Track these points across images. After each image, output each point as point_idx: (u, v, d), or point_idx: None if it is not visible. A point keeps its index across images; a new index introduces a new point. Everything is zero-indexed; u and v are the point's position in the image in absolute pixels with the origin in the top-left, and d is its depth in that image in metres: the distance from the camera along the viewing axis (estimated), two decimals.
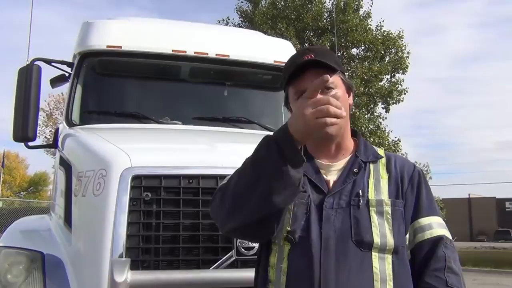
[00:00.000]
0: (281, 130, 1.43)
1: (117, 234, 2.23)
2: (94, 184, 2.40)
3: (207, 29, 4.68)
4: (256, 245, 2.05)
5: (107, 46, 3.86)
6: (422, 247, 1.64)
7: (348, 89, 1.72)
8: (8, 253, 2.58)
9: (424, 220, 1.66)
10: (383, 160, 1.73)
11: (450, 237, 1.69)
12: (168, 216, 2.37)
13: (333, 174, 1.68)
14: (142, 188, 2.35)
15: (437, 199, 17.60)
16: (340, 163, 1.70)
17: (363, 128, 18.80)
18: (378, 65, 20.07)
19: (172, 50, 3.93)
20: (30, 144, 3.95)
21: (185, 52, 3.95)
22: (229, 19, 21.93)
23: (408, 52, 20.66)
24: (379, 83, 20.16)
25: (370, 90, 19.59)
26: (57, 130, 3.97)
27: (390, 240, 1.57)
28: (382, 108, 20.72)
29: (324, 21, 20.79)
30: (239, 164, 2.44)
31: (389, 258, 1.57)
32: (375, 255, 1.55)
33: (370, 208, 1.60)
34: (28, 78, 3.79)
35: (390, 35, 20.54)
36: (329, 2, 21.36)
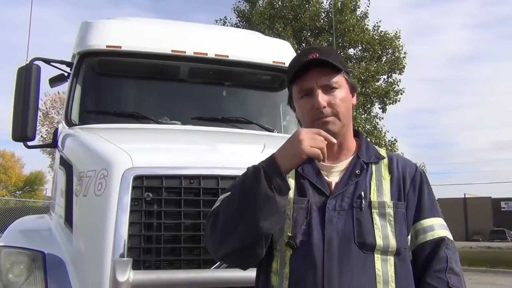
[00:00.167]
0: (268, 160, 1.51)
1: (119, 234, 2.24)
2: (96, 184, 2.41)
3: (206, 30, 4.68)
4: None
5: (107, 46, 3.86)
6: (424, 248, 1.64)
7: (351, 89, 1.72)
8: (9, 252, 2.59)
9: (426, 222, 1.66)
10: (385, 161, 1.72)
11: (452, 238, 1.69)
12: (169, 216, 2.38)
13: (335, 176, 1.68)
14: (144, 188, 2.36)
15: None
16: (342, 164, 1.70)
17: (360, 128, 18.85)
18: (375, 65, 20.13)
19: (172, 50, 3.94)
20: (29, 143, 3.96)
21: (185, 52, 3.96)
22: (226, 19, 21.96)
23: (405, 53, 20.76)
24: (376, 83, 20.22)
25: (367, 90, 19.65)
26: (56, 130, 3.97)
27: (393, 242, 1.58)
28: (379, 108, 20.80)
29: (322, 21, 20.83)
30: (239, 164, 2.47)
31: (391, 259, 1.57)
32: (377, 257, 1.56)
33: (373, 210, 1.60)
34: (27, 78, 3.79)
35: (387, 35, 20.61)
36: (326, 2, 21.43)
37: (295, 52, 4.82)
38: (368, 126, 19.85)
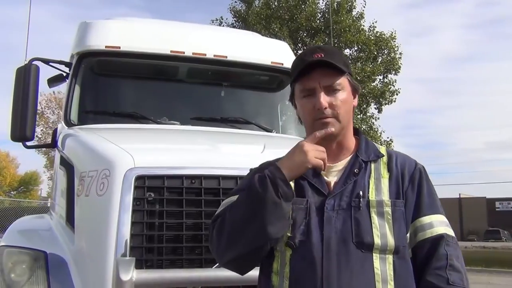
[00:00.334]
0: (274, 168, 1.58)
1: (121, 233, 2.26)
2: (98, 184, 2.42)
3: (205, 30, 4.70)
4: None
5: (106, 47, 3.87)
6: (423, 246, 1.64)
7: (354, 90, 1.74)
8: (11, 252, 2.60)
9: (425, 219, 1.66)
10: (384, 159, 1.73)
11: (453, 235, 1.68)
12: (171, 216, 2.39)
13: (334, 175, 1.69)
14: (145, 188, 2.38)
15: None
16: (341, 164, 1.71)
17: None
18: (370, 65, 20.19)
19: (171, 51, 3.95)
20: (28, 143, 3.96)
21: (184, 52, 3.98)
22: (222, 19, 21.96)
23: (400, 53, 20.83)
24: (372, 84, 20.27)
25: (363, 90, 19.69)
26: (55, 130, 3.97)
27: (391, 241, 1.58)
28: (375, 108, 20.85)
29: (318, 21, 20.87)
30: (240, 164, 2.50)
31: (390, 258, 1.58)
32: (376, 256, 1.57)
33: (371, 209, 1.60)
34: (26, 78, 3.79)
35: (383, 36, 20.66)
36: (322, 3, 21.46)
37: (293, 53, 4.86)
38: (364, 127, 19.90)
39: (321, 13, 21.23)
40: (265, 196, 1.53)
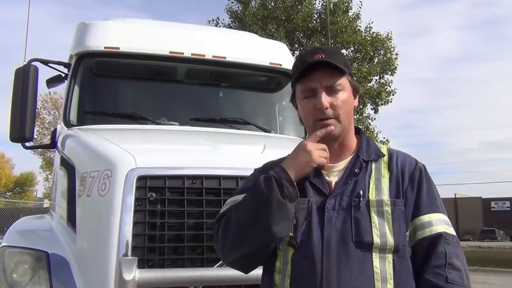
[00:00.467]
0: (279, 169, 1.62)
1: (123, 233, 2.27)
2: (100, 185, 2.43)
3: (204, 31, 4.71)
4: None
5: (105, 47, 3.89)
6: (422, 244, 1.64)
7: (354, 91, 1.76)
8: (12, 252, 2.61)
9: (425, 218, 1.66)
10: (385, 158, 1.74)
11: (453, 233, 1.68)
12: (173, 216, 2.41)
13: (335, 175, 1.70)
14: (147, 189, 2.39)
15: None
16: (342, 164, 1.72)
17: None
18: (367, 66, 20.23)
19: (170, 52, 3.97)
20: (27, 144, 3.97)
21: (182, 53, 3.99)
22: (219, 20, 21.95)
23: (396, 54, 20.89)
24: (368, 84, 20.32)
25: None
26: (55, 130, 3.97)
27: (390, 240, 1.59)
28: (371, 109, 20.90)
29: (314, 22, 20.91)
30: (241, 164, 2.52)
31: (389, 257, 1.59)
32: (375, 255, 1.58)
33: (371, 209, 1.61)
34: (25, 79, 3.80)
35: (379, 36, 20.71)
36: (318, 4, 21.50)
37: (291, 54, 4.88)
38: (360, 127, 19.86)
39: (318, 14, 21.27)
40: (270, 197, 1.56)
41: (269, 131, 4.11)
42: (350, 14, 20.95)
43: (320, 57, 1.67)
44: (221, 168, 2.51)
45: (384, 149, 1.78)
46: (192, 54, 4.00)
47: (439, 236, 1.64)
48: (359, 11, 20.97)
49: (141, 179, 2.38)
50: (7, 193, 49.10)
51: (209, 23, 21.49)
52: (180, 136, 3.35)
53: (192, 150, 2.85)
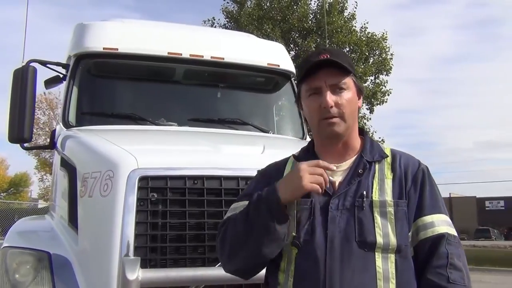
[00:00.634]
0: (271, 191, 1.61)
1: (125, 233, 2.29)
2: (101, 185, 2.45)
3: (202, 32, 4.74)
4: None
5: (104, 48, 3.90)
6: (424, 245, 1.66)
7: (358, 91, 1.77)
8: (14, 253, 2.61)
9: (427, 218, 1.67)
10: (389, 159, 1.75)
11: (455, 234, 1.70)
12: (174, 216, 2.43)
13: (338, 175, 1.72)
14: (149, 189, 2.41)
15: None
16: (346, 164, 1.74)
17: None
18: (362, 66, 20.28)
19: (168, 53, 3.98)
20: (26, 145, 3.97)
21: (181, 54, 4.01)
22: (214, 20, 21.95)
23: (391, 54, 20.96)
24: (363, 84, 20.38)
25: None
26: (53, 131, 3.98)
27: (393, 240, 1.61)
28: (367, 109, 20.96)
29: (310, 22, 20.94)
30: (241, 165, 2.55)
31: (392, 257, 1.61)
32: (378, 255, 1.59)
33: (374, 209, 1.63)
34: (23, 80, 3.80)
35: (374, 36, 20.78)
36: (314, 4, 21.54)
37: (288, 55, 4.91)
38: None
39: (313, 14, 21.31)
40: (258, 220, 1.59)
41: (267, 132, 4.14)
42: (345, 14, 21.00)
43: (325, 57, 1.69)
44: (222, 169, 2.53)
45: (387, 150, 1.80)
46: (190, 55, 4.02)
47: (441, 237, 1.66)
48: (354, 11, 21.06)
49: (143, 179, 2.40)
50: (2, 194, 48.81)
51: (204, 23, 21.50)
52: (180, 137, 3.37)
53: (193, 151, 2.87)
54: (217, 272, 2.27)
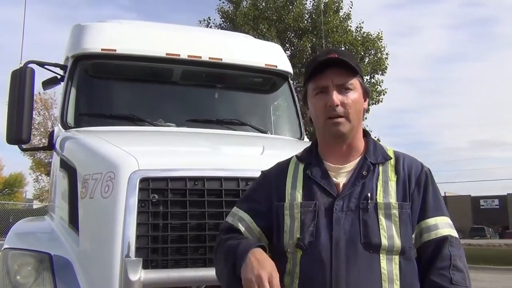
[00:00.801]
0: (243, 251, 1.62)
1: (127, 234, 2.30)
2: (103, 187, 2.46)
3: (200, 33, 4.75)
4: None
5: (102, 49, 3.90)
6: (428, 247, 1.68)
7: (364, 93, 1.79)
8: (15, 254, 2.62)
9: (431, 221, 1.70)
10: (392, 161, 1.77)
11: (456, 236, 1.73)
12: (175, 217, 2.44)
13: (342, 177, 1.73)
14: (150, 190, 2.42)
15: None
16: (350, 165, 1.75)
17: None
18: None
19: (166, 54, 3.99)
20: (24, 146, 3.97)
21: (179, 55, 4.02)
22: (210, 20, 21.94)
23: (387, 54, 21.02)
24: None
25: None
26: (52, 132, 3.99)
27: (397, 242, 1.63)
28: None
29: (305, 22, 20.97)
30: (241, 165, 2.56)
31: (396, 259, 1.63)
32: (382, 257, 1.61)
33: (379, 211, 1.65)
34: (21, 81, 3.81)
35: (370, 36, 20.82)
36: (309, 4, 21.56)
37: (286, 55, 4.93)
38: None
39: (309, 14, 21.34)
40: (225, 269, 1.68)
41: (265, 132, 4.16)
42: (340, 14, 21.03)
43: (333, 56, 1.70)
44: (222, 170, 2.55)
45: (390, 152, 1.81)
46: (188, 56, 4.03)
47: (445, 239, 1.69)
48: (350, 11, 21.10)
49: (144, 180, 2.41)
50: None
51: (200, 23, 21.49)
52: (179, 138, 3.38)
53: (193, 152, 2.89)
54: None
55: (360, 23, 21.14)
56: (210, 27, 20.91)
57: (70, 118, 3.78)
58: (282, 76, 4.49)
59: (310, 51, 19.73)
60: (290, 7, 20.99)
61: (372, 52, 20.94)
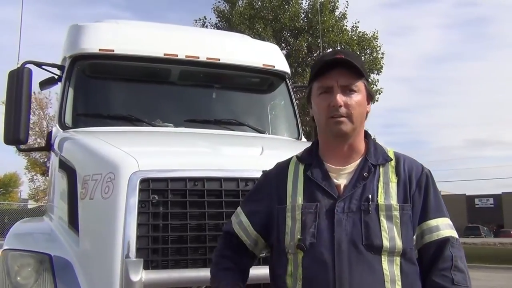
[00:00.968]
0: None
1: (127, 235, 2.30)
2: (103, 188, 2.46)
3: (197, 33, 4.76)
4: None
5: (100, 50, 3.90)
6: (429, 248, 1.70)
7: (368, 96, 1.80)
8: (16, 255, 2.61)
9: (432, 222, 1.72)
10: (393, 163, 1.77)
11: (457, 237, 1.75)
12: (175, 217, 2.44)
13: (343, 178, 1.73)
14: (150, 191, 2.42)
15: None
16: (351, 167, 1.75)
17: None
18: None
19: (164, 54, 4.00)
20: (22, 146, 3.97)
21: (177, 55, 4.03)
22: (206, 19, 21.92)
23: (382, 53, 21.09)
24: None
25: None
26: (50, 133, 3.98)
27: (399, 244, 1.64)
28: None
29: (301, 21, 21.00)
30: (241, 166, 2.57)
31: (397, 260, 1.64)
32: (384, 258, 1.63)
33: (380, 213, 1.65)
34: (19, 81, 3.80)
35: (365, 36, 20.88)
36: (305, 3, 21.60)
37: (283, 56, 4.94)
38: None
39: (304, 13, 21.37)
40: None
41: (263, 132, 4.17)
42: (336, 13, 21.08)
43: (340, 57, 1.71)
44: (222, 170, 2.55)
45: (391, 153, 1.82)
46: (186, 56, 4.04)
47: (446, 240, 1.71)
48: (346, 10, 21.15)
49: (144, 181, 2.41)
50: None
51: (195, 22, 21.49)
52: (179, 138, 3.38)
53: (193, 152, 2.89)
54: None
55: (355, 23, 21.24)
56: (206, 26, 20.91)
57: (68, 119, 3.78)
58: (279, 76, 4.50)
59: (306, 51, 19.78)
60: (286, 6, 21.02)
61: (368, 52, 21.02)
